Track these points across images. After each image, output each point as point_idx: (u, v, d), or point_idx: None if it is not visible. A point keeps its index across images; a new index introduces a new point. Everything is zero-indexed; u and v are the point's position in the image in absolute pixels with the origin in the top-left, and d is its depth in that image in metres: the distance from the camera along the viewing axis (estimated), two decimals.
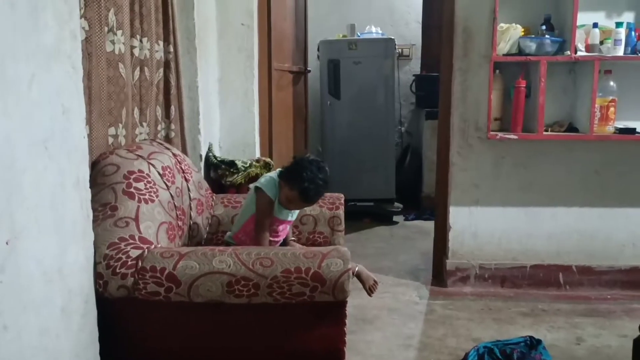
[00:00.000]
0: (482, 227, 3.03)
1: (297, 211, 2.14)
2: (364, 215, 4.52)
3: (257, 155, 3.04)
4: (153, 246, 1.63)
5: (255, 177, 2.67)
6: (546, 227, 3.01)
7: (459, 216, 3.04)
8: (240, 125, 2.95)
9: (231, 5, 2.98)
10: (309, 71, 4.31)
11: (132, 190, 1.72)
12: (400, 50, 5.11)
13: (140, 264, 1.54)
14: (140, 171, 1.80)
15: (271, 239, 2.06)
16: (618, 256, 3.00)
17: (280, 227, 2.12)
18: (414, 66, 5.33)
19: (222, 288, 1.53)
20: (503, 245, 3.03)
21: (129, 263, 1.54)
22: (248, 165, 2.71)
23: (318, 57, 4.58)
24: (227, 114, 2.97)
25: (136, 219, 1.66)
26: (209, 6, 2.87)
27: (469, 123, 2.96)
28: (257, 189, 2.02)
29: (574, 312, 2.73)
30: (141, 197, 1.73)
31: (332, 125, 4.57)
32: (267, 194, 1.98)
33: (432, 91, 3.98)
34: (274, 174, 2.08)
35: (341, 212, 2.41)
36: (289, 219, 2.13)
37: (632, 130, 2.79)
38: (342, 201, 2.47)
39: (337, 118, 4.54)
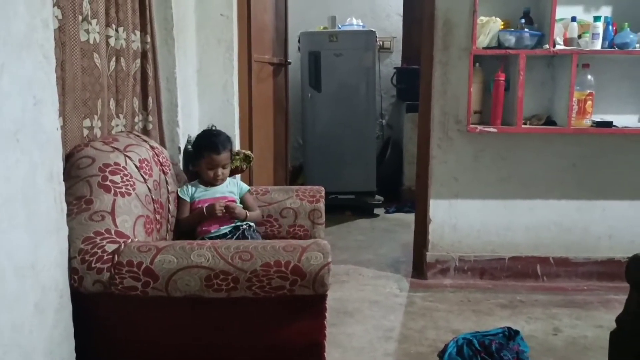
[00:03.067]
0: (462, 219, 3.05)
1: (228, 185, 2.30)
2: (345, 208, 4.53)
3: (237, 147, 3.00)
4: (130, 240, 1.60)
5: (235, 170, 2.64)
6: (524, 220, 3.04)
7: (438, 209, 3.05)
8: (219, 118, 2.90)
9: None
10: (290, 63, 4.28)
11: (107, 183, 1.68)
12: (381, 42, 5.11)
13: (116, 258, 1.51)
14: (116, 164, 1.76)
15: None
16: (595, 248, 3.05)
17: None
18: (395, 59, 5.34)
19: (201, 282, 1.51)
20: (482, 237, 3.06)
21: (105, 258, 1.51)
22: None
23: (299, 48, 4.55)
24: (206, 106, 2.92)
25: (112, 213, 1.62)
26: None
27: (449, 116, 2.97)
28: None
29: (551, 303, 2.77)
30: (117, 190, 1.69)
31: (312, 117, 4.55)
32: (181, 197, 2.20)
33: (412, 84, 3.98)
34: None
35: (321, 205, 2.40)
36: (226, 194, 2.26)
37: (609, 124, 2.83)
38: (323, 194, 2.46)
39: (317, 110, 4.52)
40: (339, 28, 4.59)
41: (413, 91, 3.68)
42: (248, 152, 2.70)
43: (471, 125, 2.85)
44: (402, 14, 5.22)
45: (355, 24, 4.66)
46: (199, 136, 2.42)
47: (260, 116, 3.44)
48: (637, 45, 2.78)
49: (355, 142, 4.51)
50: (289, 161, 4.52)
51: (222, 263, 1.52)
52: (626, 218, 3.02)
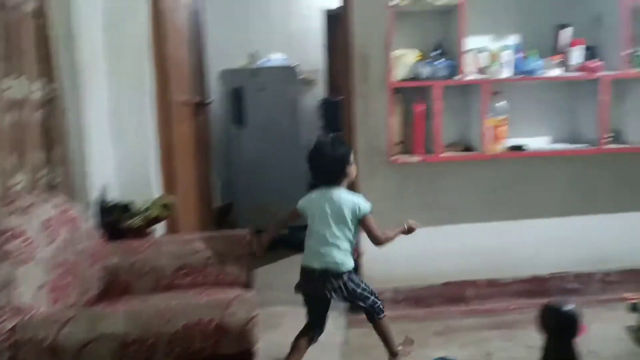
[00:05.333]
0: (393, 250, 3.01)
1: None
2: (278, 243, 4.43)
3: (159, 192, 2.88)
4: (32, 314, 1.46)
5: (156, 219, 2.51)
6: (452, 245, 3.08)
7: (369, 241, 3.03)
8: (137, 164, 2.78)
9: (122, 37, 2.82)
10: (211, 101, 4.21)
11: (4, 251, 1.53)
12: (305, 75, 5.13)
13: (16, 335, 1.37)
14: (15, 228, 1.61)
15: None
16: (520, 267, 3.13)
17: None
18: (320, 90, 5.37)
19: (113, 354, 1.39)
20: (414, 266, 3.07)
21: (2, 337, 1.37)
22: (147, 207, 2.54)
23: (221, 85, 4.49)
24: (122, 152, 2.78)
25: (9, 285, 1.48)
26: (96, 39, 2.71)
27: (372, 148, 2.99)
28: (366, 216, 2.40)
29: (482, 326, 2.80)
30: (16, 258, 1.55)
31: (239, 153, 4.48)
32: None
33: (338, 115, 4.01)
34: (344, 192, 2.44)
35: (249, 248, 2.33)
36: None
37: (519, 148, 2.95)
38: (249, 236, 2.39)
39: (244, 146, 4.46)
40: (261, 63, 4.57)
41: (338, 122, 3.70)
42: (166, 200, 2.57)
43: (393, 157, 2.88)
44: (324, 46, 5.27)
45: (277, 58, 4.67)
46: (342, 142, 2.52)
47: (182, 158, 3.33)
48: (544, 70, 2.92)
49: (284, 176, 4.46)
50: (213, 201, 4.40)
51: (137, 329, 1.42)
52: (547, 236, 3.13)
